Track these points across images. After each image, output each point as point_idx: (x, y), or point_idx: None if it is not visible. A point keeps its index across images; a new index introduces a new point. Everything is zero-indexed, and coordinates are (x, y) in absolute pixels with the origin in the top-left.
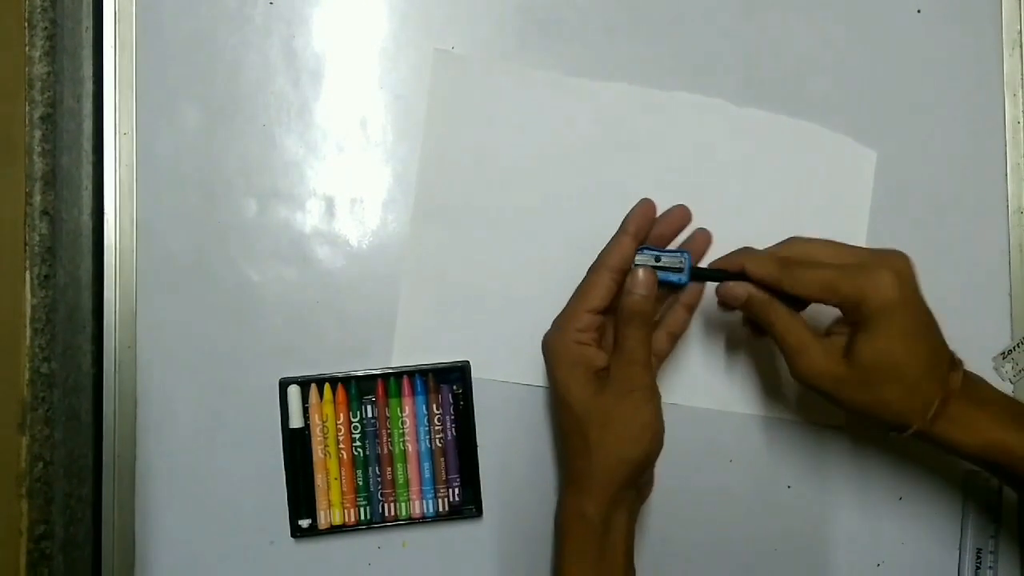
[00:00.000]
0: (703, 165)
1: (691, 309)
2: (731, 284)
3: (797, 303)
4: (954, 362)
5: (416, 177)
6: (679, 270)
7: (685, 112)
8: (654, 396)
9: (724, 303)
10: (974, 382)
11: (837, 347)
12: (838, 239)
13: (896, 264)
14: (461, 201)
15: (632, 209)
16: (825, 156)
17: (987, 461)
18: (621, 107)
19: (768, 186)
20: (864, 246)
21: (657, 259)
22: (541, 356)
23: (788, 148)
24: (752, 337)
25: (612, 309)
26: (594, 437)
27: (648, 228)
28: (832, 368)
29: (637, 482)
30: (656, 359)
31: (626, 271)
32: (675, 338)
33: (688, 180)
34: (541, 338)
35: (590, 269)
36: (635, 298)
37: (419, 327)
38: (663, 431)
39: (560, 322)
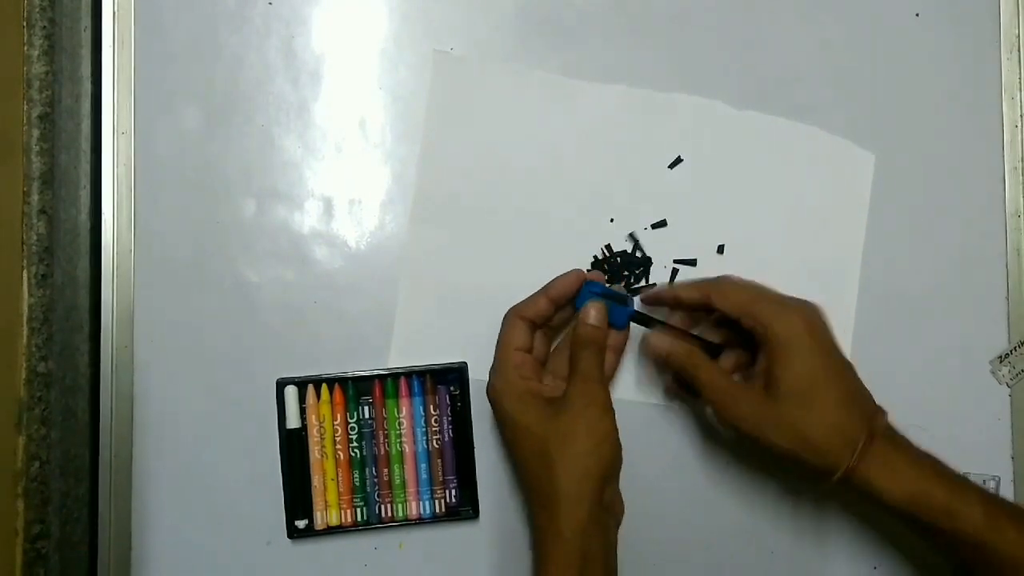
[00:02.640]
0: (702, 167)
1: (619, 352)
2: (653, 339)
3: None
4: (877, 408)
5: (415, 178)
6: (621, 302)
7: (684, 114)
8: (610, 411)
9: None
10: (896, 432)
11: (758, 389)
12: (837, 241)
13: (806, 309)
14: (460, 202)
15: (562, 276)
16: (824, 159)
17: (910, 512)
18: (620, 108)
19: (767, 188)
20: (790, 295)
21: (603, 294)
22: None
23: (787, 150)
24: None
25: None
26: (556, 455)
27: (567, 297)
28: (756, 408)
29: (603, 496)
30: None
31: (537, 324)
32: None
33: (687, 182)
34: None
35: (505, 317)
36: (588, 328)
37: (417, 328)
38: (621, 446)
39: (497, 369)
